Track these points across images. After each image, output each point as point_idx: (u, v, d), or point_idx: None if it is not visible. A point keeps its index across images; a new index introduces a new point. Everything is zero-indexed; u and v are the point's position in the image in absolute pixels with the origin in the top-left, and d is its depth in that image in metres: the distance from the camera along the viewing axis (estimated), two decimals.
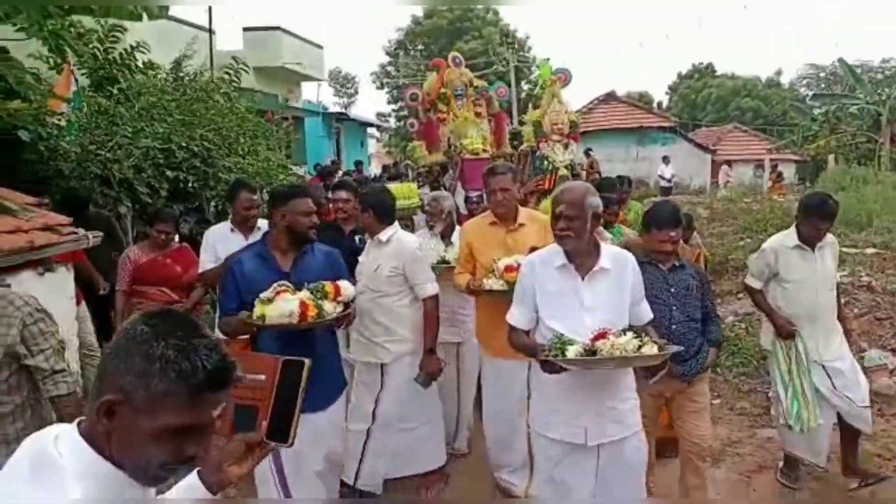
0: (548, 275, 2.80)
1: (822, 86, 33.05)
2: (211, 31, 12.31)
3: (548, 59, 6.45)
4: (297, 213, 3.04)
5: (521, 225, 3.72)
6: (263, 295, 2.80)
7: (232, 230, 4.35)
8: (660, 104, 50.20)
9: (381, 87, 38.28)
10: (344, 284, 3.01)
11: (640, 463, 2.90)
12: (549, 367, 2.60)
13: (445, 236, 4.52)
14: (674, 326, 3.36)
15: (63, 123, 5.51)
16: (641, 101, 44.89)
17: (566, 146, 5.75)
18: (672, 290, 3.44)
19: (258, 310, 2.77)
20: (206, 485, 1.37)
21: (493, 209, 3.73)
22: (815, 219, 3.80)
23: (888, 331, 6.09)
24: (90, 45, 7.23)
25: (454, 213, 4.76)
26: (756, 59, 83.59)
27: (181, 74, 8.56)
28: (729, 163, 25.36)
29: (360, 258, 3.78)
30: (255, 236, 4.07)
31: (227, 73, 9.16)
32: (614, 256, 2.83)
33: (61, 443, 1.16)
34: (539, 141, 5.77)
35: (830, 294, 3.96)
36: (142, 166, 5.80)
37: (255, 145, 7.90)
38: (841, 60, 23.10)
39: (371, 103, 79.03)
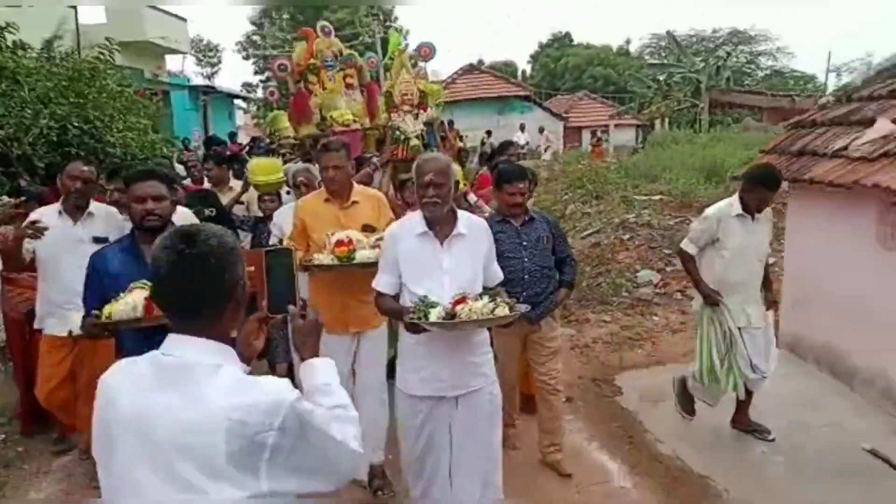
0: (409, 242, 2.97)
1: (663, 55, 36.39)
2: (76, 9, 12.60)
3: (398, 30, 7.04)
4: (132, 198, 2.79)
5: (355, 202, 3.72)
6: (121, 296, 2.60)
7: (60, 213, 3.87)
8: (524, 72, 52.56)
9: (248, 57, 37.98)
10: None
11: (495, 410, 3.12)
12: (414, 328, 2.81)
13: None
14: (526, 276, 3.72)
15: None
16: (507, 71, 47.03)
17: (416, 116, 5.71)
18: (524, 243, 3.78)
19: (106, 309, 2.57)
20: (242, 358, 1.54)
21: (326, 186, 3.74)
22: (762, 189, 3.93)
23: (657, 256, 8.02)
24: None
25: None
26: (608, 28, 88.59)
27: (52, 54, 9.07)
28: (576, 129, 27.77)
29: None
30: (91, 223, 3.86)
31: (100, 53, 9.74)
32: (470, 222, 3.05)
33: None
34: (390, 111, 5.74)
35: (760, 264, 4.14)
36: (37, 144, 6.59)
37: (135, 122, 8.65)
38: (668, 32, 25.86)
39: (236, 73, 77.02)
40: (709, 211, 4.21)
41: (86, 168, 3.89)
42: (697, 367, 4.20)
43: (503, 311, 2.75)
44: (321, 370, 1.70)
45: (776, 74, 35.60)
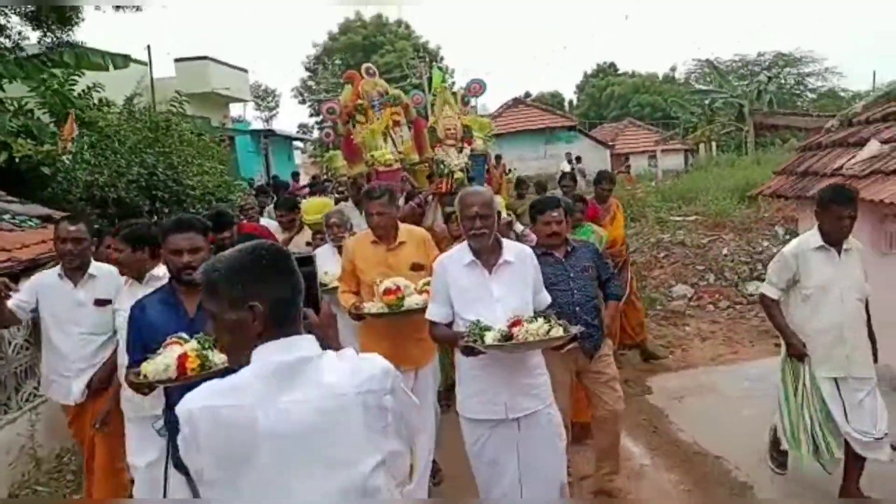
0: (458, 272, 3.06)
1: (708, 80, 36.67)
2: (151, 66, 13.95)
3: (442, 69, 7.57)
4: (168, 251, 2.73)
5: (402, 243, 3.83)
6: (160, 350, 2.55)
7: (60, 276, 3.68)
8: (571, 102, 53.35)
9: (303, 101, 39.83)
10: None
11: (556, 432, 3.18)
12: (470, 351, 2.88)
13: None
14: (577, 308, 3.65)
15: (67, 160, 7.20)
16: (553, 101, 47.78)
17: (460, 150, 5.87)
18: (571, 274, 3.71)
19: (144, 367, 2.53)
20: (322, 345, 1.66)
21: (372, 230, 3.85)
22: (834, 206, 3.47)
23: (691, 272, 8.50)
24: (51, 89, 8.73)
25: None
26: (653, 56, 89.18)
27: (133, 109, 10.21)
28: (622, 156, 28.21)
29: None
30: (92, 285, 3.67)
31: (172, 105, 10.87)
32: (515, 250, 3.14)
33: None
34: (434, 146, 5.93)
35: (859, 303, 3.59)
36: (129, 189, 7.57)
37: (210, 167, 9.64)
38: (707, 60, 26.21)
39: (293, 116, 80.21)
40: (785, 249, 3.75)
41: (73, 227, 3.62)
42: (784, 427, 3.74)
43: (558, 331, 2.82)
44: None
45: (829, 95, 35.36)
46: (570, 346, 3.37)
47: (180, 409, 1.46)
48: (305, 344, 1.53)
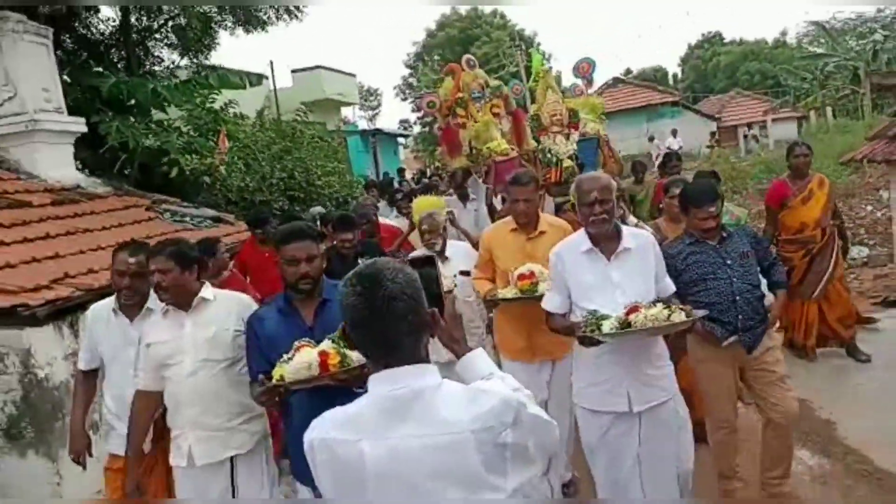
0: (576, 260, 2.98)
1: (822, 42, 34.77)
2: (274, 80, 15.43)
3: (539, 49, 7.74)
4: (285, 259, 2.66)
5: (542, 232, 3.71)
6: (286, 356, 2.49)
7: (115, 311, 3.25)
8: (675, 76, 51.92)
9: (405, 98, 41.21)
10: None
11: (680, 424, 3.04)
12: (588, 341, 2.81)
13: (441, 252, 4.29)
14: (737, 298, 3.32)
15: (223, 169, 8.46)
16: (656, 76, 46.62)
17: (568, 136, 5.58)
18: (728, 262, 3.37)
19: (276, 371, 2.48)
20: (453, 353, 1.72)
21: (516, 218, 3.74)
22: None
23: None
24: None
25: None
26: (761, 22, 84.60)
27: (263, 121, 11.50)
28: (729, 128, 27.43)
29: None
30: (149, 318, 3.12)
31: (298, 115, 12.09)
32: (635, 236, 3.03)
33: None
34: (539, 134, 5.68)
35: None
36: (273, 191, 8.77)
37: (333, 167, 10.74)
38: (816, 22, 25.06)
39: (394, 113, 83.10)
40: None
41: (133, 260, 3.16)
42: None
43: (679, 316, 2.70)
44: (481, 360, 1.73)
45: None
46: (731, 339, 3.30)
47: (306, 437, 1.51)
48: (422, 373, 1.47)
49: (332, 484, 1.48)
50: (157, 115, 9.11)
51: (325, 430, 1.48)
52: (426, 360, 1.52)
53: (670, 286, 3.10)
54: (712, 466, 3.63)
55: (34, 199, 5.70)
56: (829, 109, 24.12)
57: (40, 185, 6.20)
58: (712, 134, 23.35)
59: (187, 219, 6.59)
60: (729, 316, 3.29)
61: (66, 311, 4.04)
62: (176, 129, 8.78)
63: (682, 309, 2.76)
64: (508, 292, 3.55)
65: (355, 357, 2.37)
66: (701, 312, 2.90)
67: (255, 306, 2.96)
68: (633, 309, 2.71)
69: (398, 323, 1.44)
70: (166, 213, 6.63)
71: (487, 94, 6.30)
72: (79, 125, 7.02)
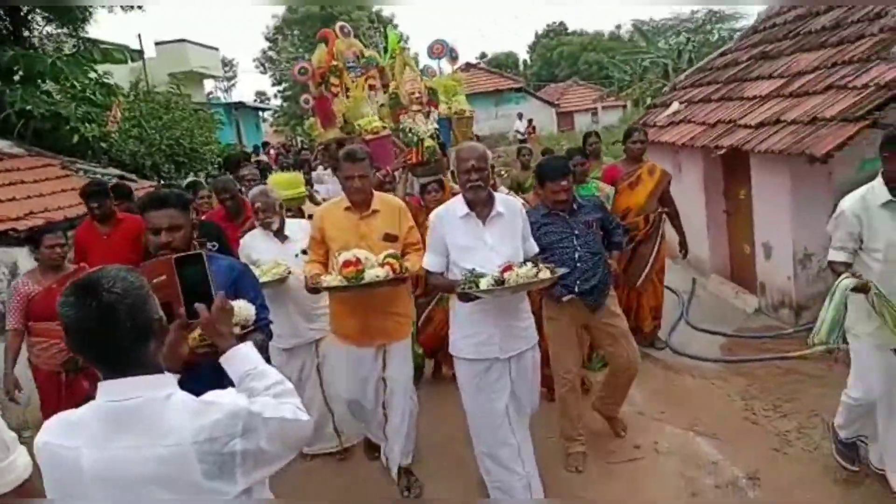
0: (453, 224, 3.24)
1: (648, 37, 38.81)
2: (143, 54, 16.01)
3: (395, 27, 6.96)
4: (148, 228, 2.47)
5: (375, 211, 3.66)
6: None
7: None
8: (524, 62, 55.10)
9: (265, 71, 41.31)
10: (240, 305, 2.39)
11: (537, 368, 3.49)
12: (466, 297, 3.11)
13: (279, 231, 4.19)
14: (579, 265, 3.74)
15: (117, 136, 9.52)
16: (507, 62, 48.92)
17: (427, 115, 5.44)
18: (575, 232, 3.80)
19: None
20: (170, 369, 1.58)
21: (350, 195, 3.65)
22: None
23: None
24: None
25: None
26: (602, 15, 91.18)
27: (137, 93, 12.34)
28: (567, 114, 30.64)
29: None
30: None
31: (171, 87, 12.98)
32: (505, 202, 3.32)
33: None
34: (398, 113, 5.45)
35: None
36: (160, 157, 9.98)
37: (208, 137, 11.83)
38: (634, 22, 28.65)
39: (249, 85, 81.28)
40: (842, 203, 3.24)
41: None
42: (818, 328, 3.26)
43: (546, 274, 3.05)
44: (245, 356, 1.75)
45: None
46: (568, 297, 3.72)
47: (37, 439, 1.52)
48: (151, 384, 1.47)
49: (53, 486, 1.51)
50: (44, 86, 9.86)
51: (50, 435, 1.50)
52: (158, 366, 1.52)
53: (534, 246, 3.47)
54: (557, 423, 4.06)
55: None
56: (647, 100, 27.62)
57: None
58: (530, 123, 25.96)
59: (98, 177, 7.77)
60: (569, 279, 3.67)
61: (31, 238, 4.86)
62: (72, 98, 9.68)
63: (546, 267, 3.12)
64: (333, 280, 3.38)
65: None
66: (562, 270, 3.28)
67: None
68: (508, 268, 3.02)
69: (118, 332, 1.42)
70: (80, 171, 7.76)
71: (362, 65, 6.24)
72: None
